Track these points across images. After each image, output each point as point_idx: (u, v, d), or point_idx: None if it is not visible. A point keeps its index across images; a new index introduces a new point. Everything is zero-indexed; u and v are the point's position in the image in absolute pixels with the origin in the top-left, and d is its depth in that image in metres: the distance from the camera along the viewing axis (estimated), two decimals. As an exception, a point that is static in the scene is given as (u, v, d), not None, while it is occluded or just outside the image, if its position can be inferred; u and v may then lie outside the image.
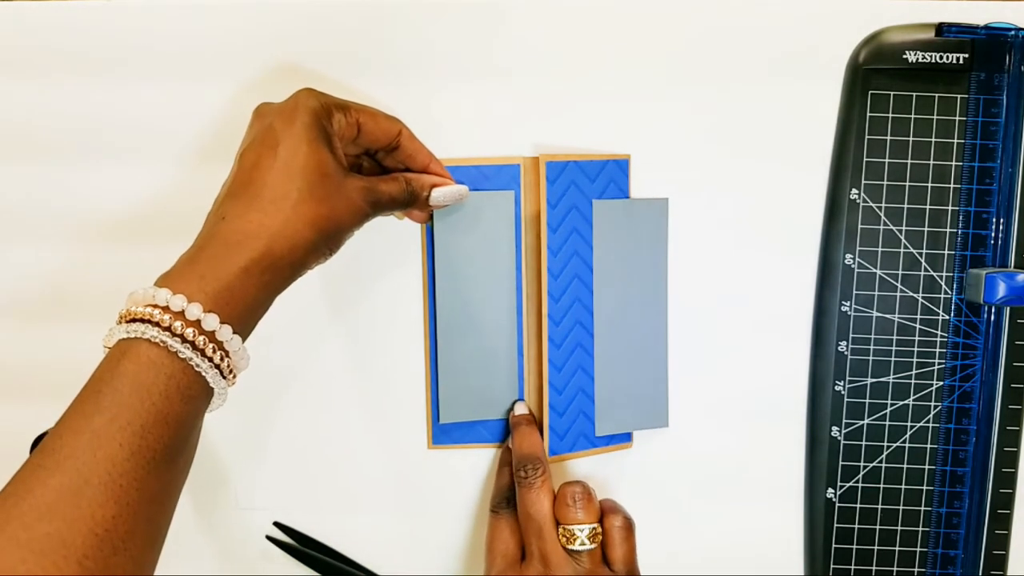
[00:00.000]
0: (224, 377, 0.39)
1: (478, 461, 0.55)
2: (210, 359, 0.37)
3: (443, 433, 0.54)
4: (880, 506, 0.54)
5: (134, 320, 0.37)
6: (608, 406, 0.52)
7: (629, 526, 0.47)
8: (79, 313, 0.55)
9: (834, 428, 0.53)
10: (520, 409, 0.53)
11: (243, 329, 0.39)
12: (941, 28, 0.50)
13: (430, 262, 0.53)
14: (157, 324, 0.36)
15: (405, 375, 0.54)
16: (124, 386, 0.35)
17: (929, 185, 0.52)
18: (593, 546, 0.46)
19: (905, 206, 0.52)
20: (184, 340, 0.36)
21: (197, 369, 0.37)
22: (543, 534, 0.46)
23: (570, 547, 0.46)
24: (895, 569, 0.54)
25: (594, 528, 0.46)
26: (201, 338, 0.37)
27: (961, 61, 0.50)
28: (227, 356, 0.38)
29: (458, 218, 0.52)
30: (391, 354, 0.54)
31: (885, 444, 0.53)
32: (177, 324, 0.36)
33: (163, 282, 0.38)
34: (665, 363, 0.53)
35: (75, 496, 0.33)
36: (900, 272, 0.52)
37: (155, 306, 0.37)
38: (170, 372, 0.36)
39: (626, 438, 0.54)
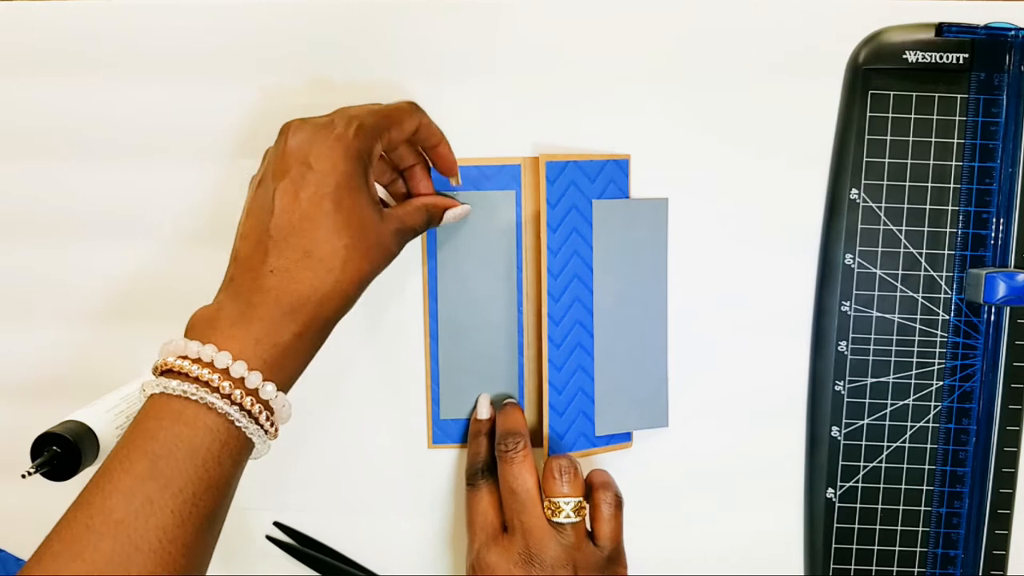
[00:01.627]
0: (267, 432, 0.39)
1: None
2: (260, 424, 0.38)
3: (443, 432, 0.54)
4: (880, 506, 0.53)
5: (186, 377, 0.37)
6: (608, 406, 0.52)
7: (618, 503, 0.47)
8: (79, 313, 0.55)
9: (834, 428, 0.53)
10: (483, 410, 0.53)
11: (288, 387, 0.40)
12: (941, 28, 0.50)
13: (431, 261, 0.53)
14: (216, 390, 0.37)
15: (406, 375, 0.54)
16: (179, 451, 0.36)
17: (929, 185, 0.52)
18: (578, 519, 0.46)
19: (905, 206, 0.52)
20: (241, 408, 0.37)
21: (248, 432, 0.38)
22: (527, 508, 0.46)
23: (555, 519, 0.45)
24: (895, 569, 0.54)
25: (579, 502, 0.46)
26: (257, 406, 0.38)
27: (961, 61, 0.50)
28: (272, 414, 0.39)
29: (462, 220, 0.52)
30: (392, 353, 0.54)
31: (885, 444, 0.53)
32: (237, 393, 0.37)
33: (215, 338, 0.38)
34: (665, 363, 0.53)
35: (125, 563, 0.34)
36: (900, 272, 0.52)
37: (212, 367, 0.37)
38: (224, 439, 0.37)
39: (626, 438, 0.54)
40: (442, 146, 0.48)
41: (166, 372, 0.38)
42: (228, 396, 0.37)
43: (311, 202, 0.40)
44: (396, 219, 0.44)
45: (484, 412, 0.53)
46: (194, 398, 0.36)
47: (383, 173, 0.49)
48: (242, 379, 0.37)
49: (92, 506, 0.35)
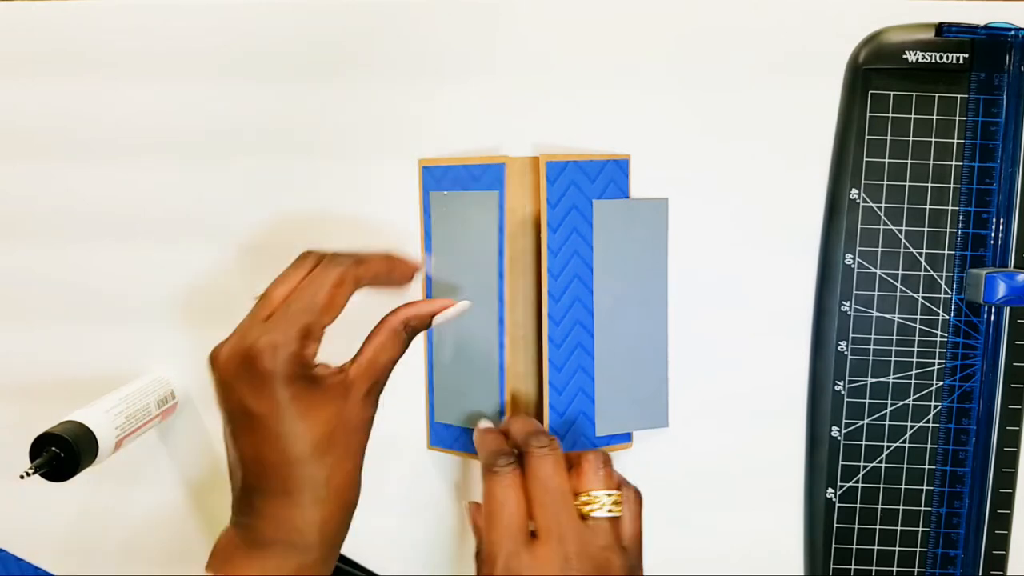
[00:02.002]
0: None
1: (478, 462, 0.55)
2: None
3: (439, 435, 0.54)
4: (880, 506, 0.53)
5: None
6: (608, 406, 0.52)
7: (640, 501, 0.44)
8: (79, 312, 0.55)
9: (834, 428, 0.53)
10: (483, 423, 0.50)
11: None
12: (941, 28, 0.50)
13: (427, 262, 0.53)
14: None
15: (406, 375, 0.54)
16: None
17: (929, 185, 0.52)
18: (616, 514, 0.42)
19: (905, 206, 0.52)
20: None
21: None
22: (565, 509, 0.41)
23: (596, 514, 0.42)
24: (895, 569, 0.54)
25: (617, 495, 0.43)
26: None
27: (961, 61, 0.50)
28: None
29: (450, 218, 0.52)
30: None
31: (885, 444, 0.53)
32: None
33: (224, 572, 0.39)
34: (665, 363, 0.53)
35: None
36: (900, 272, 0.52)
37: None
38: None
39: (626, 438, 0.54)
40: (393, 272, 0.45)
41: None
42: None
43: (269, 449, 0.39)
44: (360, 382, 0.42)
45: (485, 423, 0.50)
46: None
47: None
48: None
49: None
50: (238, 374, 0.39)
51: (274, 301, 0.42)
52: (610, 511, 0.42)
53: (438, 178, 0.52)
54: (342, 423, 0.40)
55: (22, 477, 0.44)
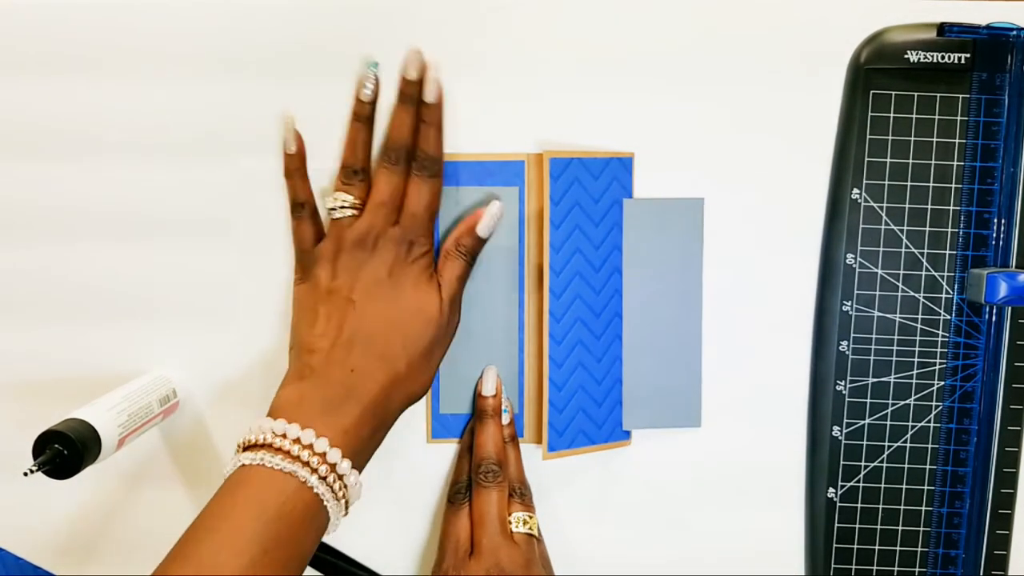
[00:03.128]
0: (343, 511, 0.45)
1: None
2: (339, 502, 0.44)
3: (442, 426, 0.54)
4: (881, 506, 0.53)
5: (287, 455, 0.42)
6: (637, 402, 0.53)
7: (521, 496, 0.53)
8: (80, 311, 0.55)
9: (835, 428, 0.53)
10: (489, 386, 0.53)
11: (362, 467, 0.46)
12: (943, 28, 0.51)
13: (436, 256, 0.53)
14: (315, 471, 0.42)
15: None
16: (281, 518, 0.41)
17: (930, 185, 0.52)
18: (532, 532, 0.51)
19: (906, 206, 0.52)
20: (331, 489, 0.43)
21: (330, 509, 0.43)
22: (495, 530, 0.50)
23: (515, 530, 0.50)
24: (896, 569, 0.54)
25: (526, 516, 0.51)
26: (342, 489, 0.44)
27: (963, 61, 0.51)
28: (348, 495, 0.45)
29: (465, 214, 0.52)
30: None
31: (886, 444, 0.53)
32: (331, 477, 0.43)
33: (309, 423, 0.44)
34: (699, 363, 0.53)
35: None
36: (901, 272, 0.52)
37: (312, 450, 0.43)
38: (315, 512, 0.42)
39: (625, 436, 0.54)
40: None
41: (262, 447, 0.43)
42: (324, 478, 0.43)
43: (386, 314, 0.48)
44: (447, 291, 0.50)
45: (490, 387, 0.53)
46: (300, 475, 0.42)
47: None
48: (334, 465, 0.43)
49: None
50: (388, 261, 0.50)
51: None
52: (528, 529, 0.51)
53: (449, 173, 0.52)
54: (437, 319, 0.50)
55: (25, 474, 0.44)
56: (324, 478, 0.42)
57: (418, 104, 0.50)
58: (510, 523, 0.50)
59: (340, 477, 0.43)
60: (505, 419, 0.53)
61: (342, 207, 0.50)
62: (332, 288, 0.49)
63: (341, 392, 0.46)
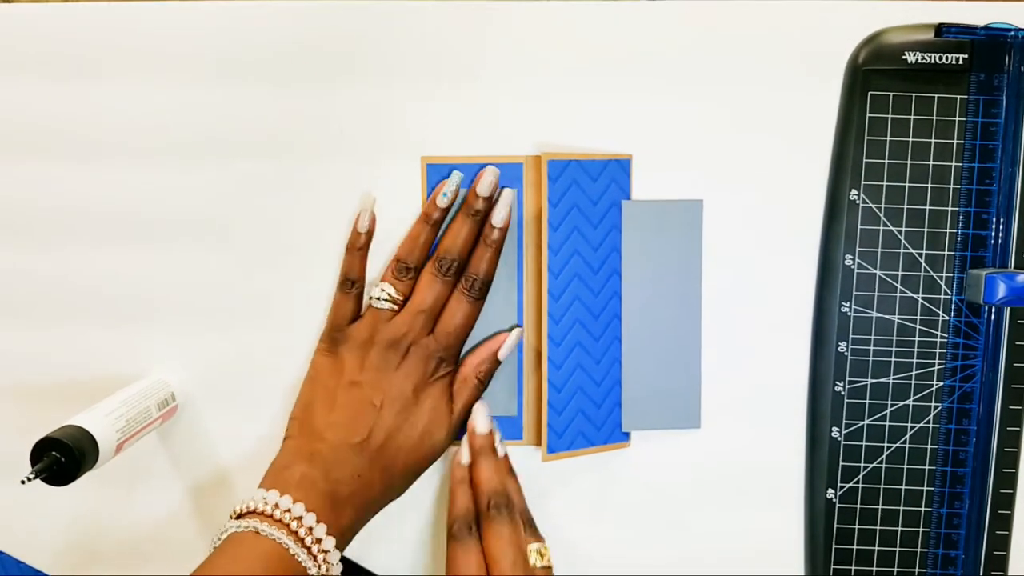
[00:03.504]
0: None
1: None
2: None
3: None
4: (880, 507, 0.53)
5: (281, 525, 0.44)
6: (636, 404, 0.53)
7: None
8: (78, 314, 0.54)
9: (834, 429, 0.53)
10: (481, 424, 0.52)
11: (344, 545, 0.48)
12: (941, 29, 0.51)
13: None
14: (314, 557, 0.44)
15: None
16: None
17: (929, 186, 0.52)
18: (548, 564, 0.49)
19: (905, 207, 0.52)
20: (316, 563, 0.44)
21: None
22: (518, 567, 0.48)
23: (543, 564, 0.49)
24: (895, 570, 0.54)
25: (540, 546, 0.50)
26: (322, 559, 0.45)
27: (961, 62, 0.51)
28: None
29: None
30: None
31: (885, 445, 0.53)
32: (315, 547, 0.44)
33: (310, 507, 0.45)
34: (699, 365, 0.53)
35: None
36: (900, 273, 0.52)
37: (308, 529, 0.45)
38: None
39: (624, 437, 0.54)
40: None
41: (256, 515, 0.45)
42: (319, 565, 0.44)
43: (401, 432, 0.50)
44: (456, 419, 0.52)
45: (483, 426, 0.52)
46: (298, 557, 0.44)
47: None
48: (327, 553, 0.45)
49: None
50: (414, 374, 0.51)
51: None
52: (546, 562, 0.49)
53: (444, 175, 0.52)
54: (441, 446, 0.52)
55: (23, 482, 0.44)
56: (318, 565, 0.44)
57: (483, 222, 0.51)
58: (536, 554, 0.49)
59: (329, 567, 0.45)
60: (501, 451, 0.53)
61: (386, 300, 0.51)
62: (356, 381, 0.50)
63: (345, 493, 0.47)
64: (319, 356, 0.52)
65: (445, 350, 0.51)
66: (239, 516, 0.45)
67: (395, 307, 0.51)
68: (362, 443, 0.49)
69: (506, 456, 0.53)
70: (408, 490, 0.51)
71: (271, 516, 0.44)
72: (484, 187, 0.51)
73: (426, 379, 0.51)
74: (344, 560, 0.55)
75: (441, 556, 0.56)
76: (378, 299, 0.51)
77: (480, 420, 0.52)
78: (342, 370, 0.51)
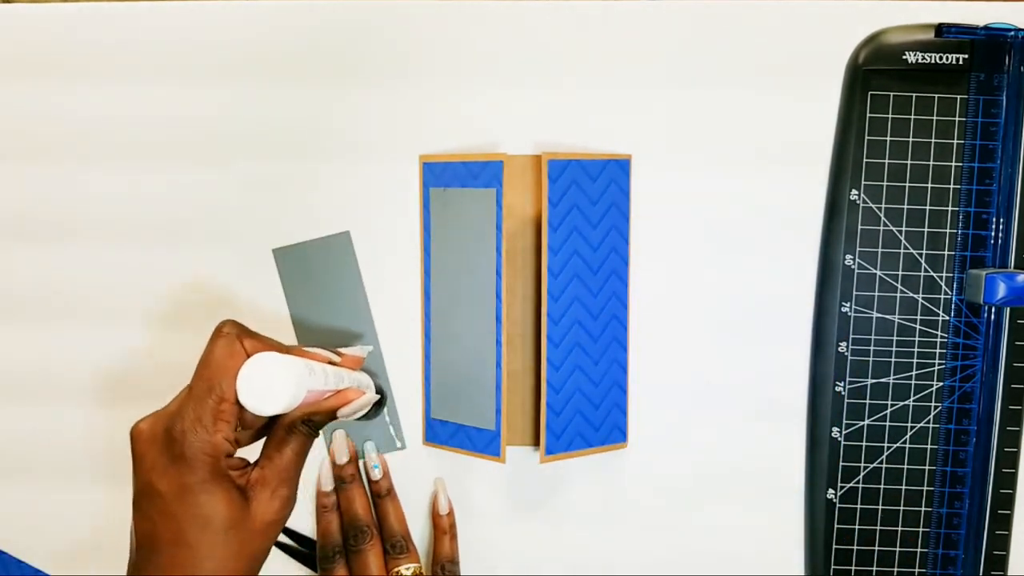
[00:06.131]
0: None
1: (473, 459, 0.55)
2: None
3: (435, 431, 0.54)
4: (880, 507, 0.53)
5: None
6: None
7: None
8: (79, 313, 0.55)
9: (834, 429, 0.53)
10: (340, 456, 0.53)
11: None
12: (941, 29, 0.51)
13: (427, 259, 0.53)
14: None
15: (404, 373, 0.54)
16: None
17: (929, 186, 0.52)
18: None
19: (905, 207, 0.52)
20: None
21: None
22: None
23: None
24: (895, 570, 0.54)
25: (416, 567, 0.52)
26: None
27: (961, 62, 0.51)
28: None
29: (449, 215, 0.52)
30: (390, 352, 0.54)
31: (885, 445, 0.53)
32: None
33: None
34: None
35: None
36: (900, 273, 0.52)
37: None
38: None
39: (621, 438, 0.54)
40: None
41: None
42: None
43: (163, 526, 0.39)
44: (261, 484, 0.41)
45: (343, 455, 0.53)
46: None
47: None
48: None
49: None
50: (155, 448, 0.39)
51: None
52: None
53: (438, 174, 0.52)
54: (242, 522, 0.39)
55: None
56: None
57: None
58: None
59: None
60: (377, 474, 0.54)
61: None
62: None
63: None
64: None
65: None
66: None
67: None
68: None
69: (384, 476, 0.54)
70: None
71: None
72: (340, 455, 0.53)
73: None
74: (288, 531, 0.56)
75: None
76: None
77: (339, 452, 0.54)
78: None
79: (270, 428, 0.43)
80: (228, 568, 0.39)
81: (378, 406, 0.54)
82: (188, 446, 0.38)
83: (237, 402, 0.39)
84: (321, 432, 0.54)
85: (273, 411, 0.39)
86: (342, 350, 0.47)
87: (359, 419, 0.52)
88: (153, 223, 0.54)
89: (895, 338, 0.53)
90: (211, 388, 0.39)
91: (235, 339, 0.40)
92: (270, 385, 0.38)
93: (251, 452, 0.42)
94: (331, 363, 0.45)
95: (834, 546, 0.54)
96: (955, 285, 0.52)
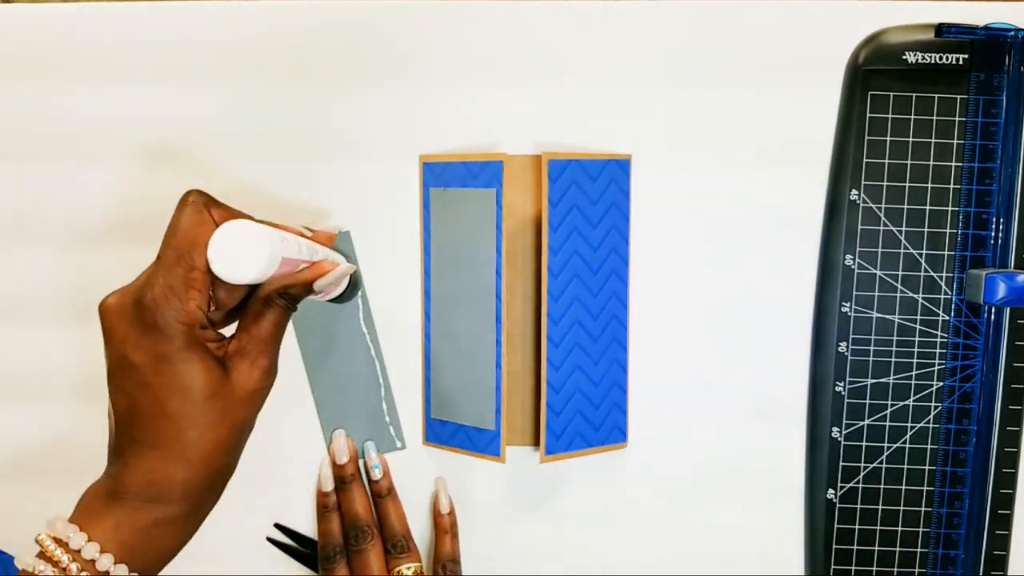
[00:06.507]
0: None
1: (473, 459, 0.55)
2: None
3: (435, 431, 0.54)
4: (880, 507, 0.53)
5: (51, 561, 0.37)
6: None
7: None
8: (79, 313, 0.54)
9: (834, 429, 0.53)
10: (340, 455, 0.54)
11: (157, 566, 0.40)
12: (941, 29, 0.51)
13: (427, 259, 0.53)
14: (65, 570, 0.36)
15: (404, 373, 0.54)
16: None
17: (929, 186, 0.52)
18: None
19: (905, 207, 0.52)
20: None
21: None
22: None
23: None
24: (895, 570, 0.54)
25: (416, 567, 0.52)
26: None
27: (961, 62, 0.51)
28: None
29: (449, 215, 0.52)
30: (390, 352, 0.54)
31: (885, 445, 0.53)
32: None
33: (85, 523, 0.38)
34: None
35: None
36: (900, 273, 0.52)
37: (76, 555, 0.37)
38: None
39: (621, 438, 0.54)
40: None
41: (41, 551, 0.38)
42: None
43: (142, 398, 0.38)
44: (240, 355, 0.40)
45: (343, 456, 0.54)
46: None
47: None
48: (92, 560, 0.37)
49: None
50: (125, 321, 0.38)
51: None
52: None
53: (438, 174, 0.52)
54: (223, 390, 0.39)
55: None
56: None
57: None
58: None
59: None
60: (377, 474, 0.54)
61: None
62: None
63: (123, 489, 0.39)
64: None
65: None
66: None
67: None
68: None
69: (384, 476, 0.54)
70: None
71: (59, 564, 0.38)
72: (340, 455, 0.53)
73: None
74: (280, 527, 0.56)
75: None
76: None
77: (339, 452, 0.54)
78: None
79: (243, 308, 0.41)
80: (215, 435, 0.38)
81: (353, 288, 0.51)
82: (161, 315, 0.37)
83: (208, 271, 0.38)
84: (321, 432, 0.54)
85: (247, 278, 0.37)
86: (314, 227, 0.46)
87: (334, 300, 0.49)
88: (153, 223, 0.54)
89: (895, 338, 0.53)
90: (180, 256, 0.37)
91: (203, 207, 0.38)
92: (243, 251, 0.37)
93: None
94: (303, 236, 0.43)
95: (834, 546, 0.54)
96: (955, 285, 0.52)
